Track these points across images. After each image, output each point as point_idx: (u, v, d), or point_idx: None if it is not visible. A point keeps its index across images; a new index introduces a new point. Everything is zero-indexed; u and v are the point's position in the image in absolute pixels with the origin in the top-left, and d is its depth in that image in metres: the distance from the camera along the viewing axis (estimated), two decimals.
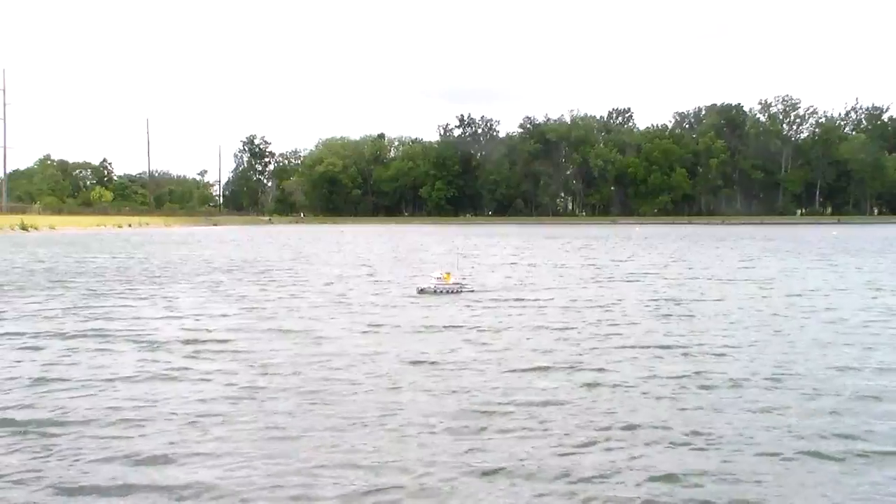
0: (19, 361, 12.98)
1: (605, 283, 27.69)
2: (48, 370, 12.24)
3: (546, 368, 12.56)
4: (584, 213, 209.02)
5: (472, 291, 24.42)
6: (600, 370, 12.47)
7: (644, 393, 11.01)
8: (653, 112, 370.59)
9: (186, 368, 12.45)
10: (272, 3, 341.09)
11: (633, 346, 14.57)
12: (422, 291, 24.24)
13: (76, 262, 37.20)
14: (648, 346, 14.56)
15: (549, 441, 8.86)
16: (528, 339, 15.47)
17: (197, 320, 17.91)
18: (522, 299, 22.49)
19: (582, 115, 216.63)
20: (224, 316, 18.72)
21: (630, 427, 9.34)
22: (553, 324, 17.48)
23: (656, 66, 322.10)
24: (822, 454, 8.39)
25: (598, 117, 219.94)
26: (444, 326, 17.05)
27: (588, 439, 8.90)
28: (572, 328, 16.86)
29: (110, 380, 11.55)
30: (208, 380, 11.67)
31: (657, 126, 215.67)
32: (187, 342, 14.80)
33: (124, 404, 10.21)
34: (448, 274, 25.04)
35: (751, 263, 38.33)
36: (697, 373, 12.28)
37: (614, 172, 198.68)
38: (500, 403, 10.38)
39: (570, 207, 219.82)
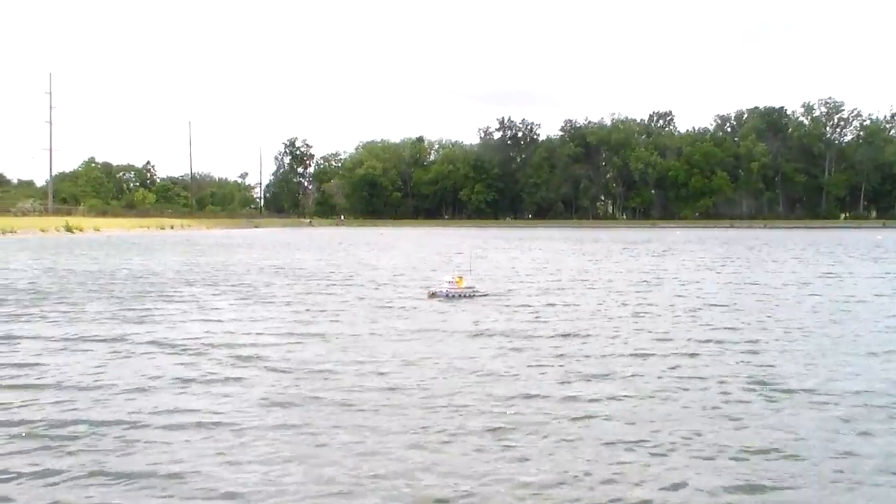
0: (73, 363, 13.15)
1: (637, 292, 27.27)
2: (93, 375, 12.41)
3: (573, 377, 12.52)
4: (624, 217, 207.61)
5: (486, 296, 24.30)
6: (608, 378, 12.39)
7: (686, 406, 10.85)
8: (694, 115, 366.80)
9: (218, 374, 12.56)
10: (314, 7, 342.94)
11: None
12: (433, 296, 24.20)
13: (141, 268, 37.31)
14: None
15: (593, 452, 8.81)
16: (556, 346, 15.35)
17: (238, 325, 18.04)
18: (529, 305, 22.39)
19: (623, 118, 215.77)
20: (268, 320, 18.86)
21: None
22: (579, 330, 17.44)
23: (698, 69, 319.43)
24: None
25: (638, 120, 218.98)
26: (463, 332, 17.06)
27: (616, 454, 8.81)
28: (586, 335, 16.84)
29: (148, 386, 11.69)
30: (246, 386, 11.76)
31: (698, 129, 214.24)
32: (232, 346, 14.96)
33: (164, 410, 10.32)
34: (460, 278, 24.92)
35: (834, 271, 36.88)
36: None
37: (655, 176, 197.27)
38: (533, 413, 10.34)
39: (610, 211, 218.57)
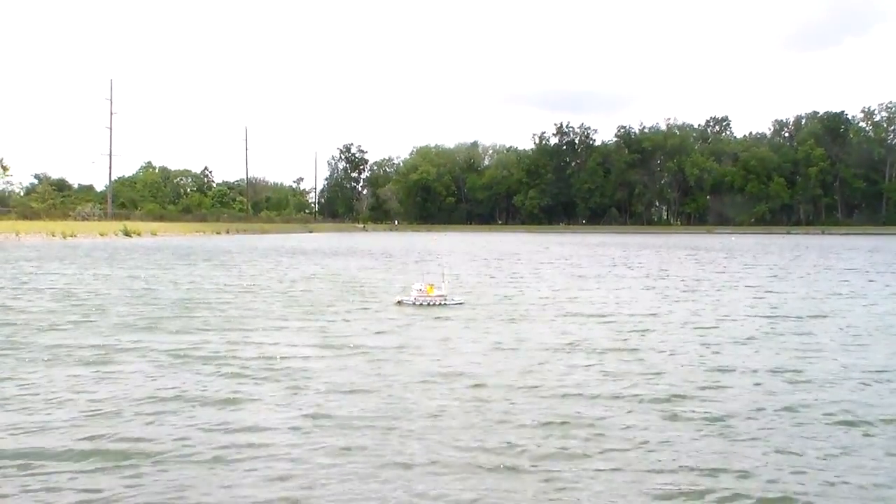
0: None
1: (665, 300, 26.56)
2: (156, 392, 12.36)
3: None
4: (678, 222, 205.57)
5: (460, 304, 23.97)
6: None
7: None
8: (751, 120, 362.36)
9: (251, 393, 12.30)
10: (371, 13, 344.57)
11: None
12: (400, 304, 24.05)
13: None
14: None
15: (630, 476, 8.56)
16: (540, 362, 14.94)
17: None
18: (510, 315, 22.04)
19: (679, 123, 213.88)
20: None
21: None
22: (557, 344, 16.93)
23: (756, 75, 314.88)
24: None
25: (694, 125, 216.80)
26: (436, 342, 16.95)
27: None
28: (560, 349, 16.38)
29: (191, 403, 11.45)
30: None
31: (755, 134, 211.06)
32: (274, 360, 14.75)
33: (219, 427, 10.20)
34: (431, 286, 24.58)
35: None
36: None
37: (710, 181, 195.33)
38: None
39: (664, 216, 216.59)
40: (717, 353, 16.00)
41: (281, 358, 14.73)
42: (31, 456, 8.89)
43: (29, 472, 8.45)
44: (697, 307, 24.54)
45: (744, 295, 28.95)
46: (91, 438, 9.54)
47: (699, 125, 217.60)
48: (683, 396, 12.00)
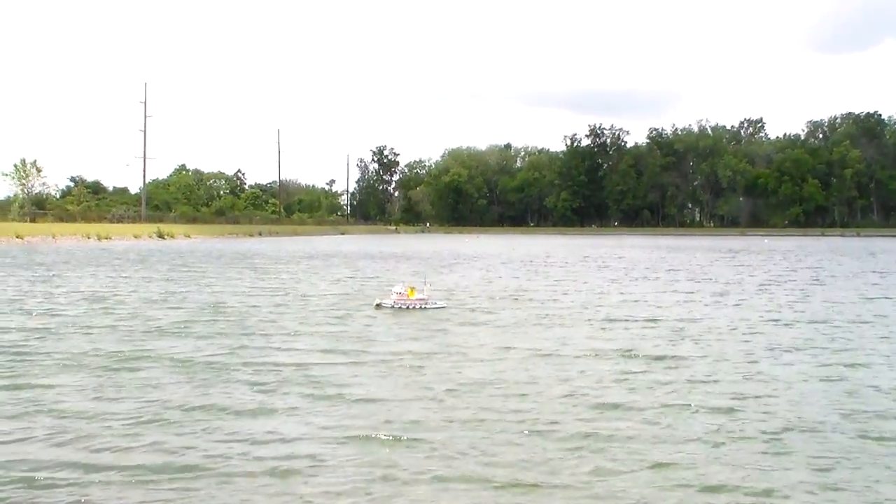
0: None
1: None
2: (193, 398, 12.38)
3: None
4: (711, 224, 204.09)
5: (442, 308, 23.82)
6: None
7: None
8: (785, 122, 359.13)
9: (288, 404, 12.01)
10: (401, 16, 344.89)
11: None
12: (379, 306, 23.95)
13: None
14: None
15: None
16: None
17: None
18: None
19: (712, 125, 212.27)
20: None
21: None
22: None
23: (790, 76, 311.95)
24: None
25: (728, 127, 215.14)
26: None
27: None
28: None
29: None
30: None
31: (789, 136, 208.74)
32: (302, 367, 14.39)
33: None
34: (412, 289, 24.43)
35: None
36: None
37: (744, 183, 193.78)
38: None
39: (697, 218, 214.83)
40: (763, 360, 15.69)
41: (307, 365, 14.61)
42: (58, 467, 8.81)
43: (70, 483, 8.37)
44: (739, 312, 24.17)
45: (786, 299, 28.51)
46: (119, 450, 9.45)
47: (732, 127, 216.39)
48: (731, 409, 11.71)
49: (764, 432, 10.45)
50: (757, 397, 12.44)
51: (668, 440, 10.09)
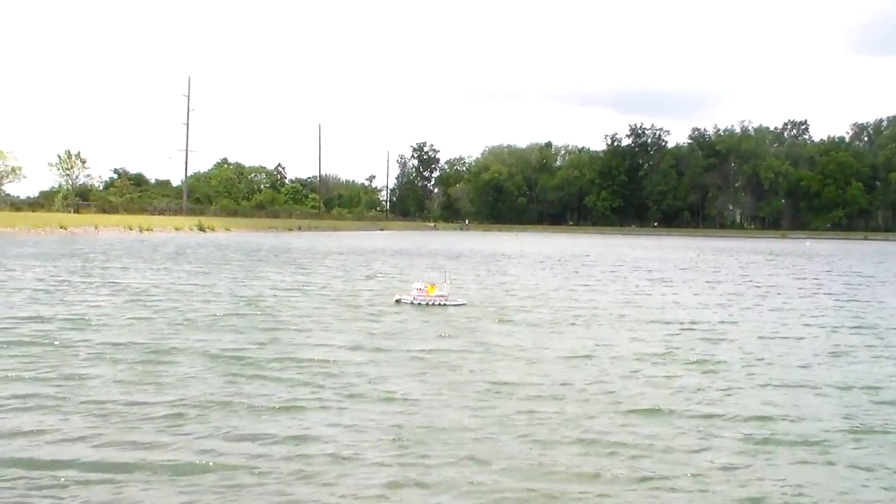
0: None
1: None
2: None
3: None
4: (752, 226, 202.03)
5: (462, 305, 23.64)
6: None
7: None
8: (830, 124, 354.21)
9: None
10: (441, 12, 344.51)
11: None
12: (398, 302, 23.99)
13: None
14: None
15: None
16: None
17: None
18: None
19: (755, 126, 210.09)
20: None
21: None
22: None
23: (835, 77, 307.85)
24: None
25: (772, 128, 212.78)
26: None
27: None
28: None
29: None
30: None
31: (834, 138, 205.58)
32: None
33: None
34: (432, 285, 24.37)
35: None
36: None
37: (786, 185, 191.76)
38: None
39: (737, 220, 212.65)
40: (807, 366, 15.31)
41: (341, 362, 14.46)
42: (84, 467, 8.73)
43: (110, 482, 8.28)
44: (782, 316, 23.71)
45: (830, 303, 28.02)
46: (153, 446, 9.37)
47: (776, 128, 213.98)
48: (772, 417, 11.35)
49: (807, 441, 10.09)
50: (799, 404, 12.05)
51: (707, 447, 9.78)
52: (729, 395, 12.65)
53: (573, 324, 20.80)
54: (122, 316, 19.86)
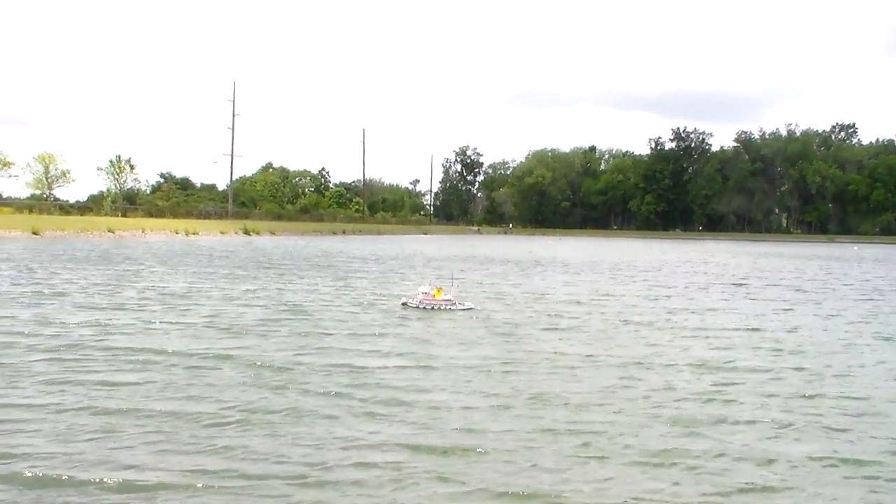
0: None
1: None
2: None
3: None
4: (798, 231, 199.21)
5: (469, 309, 23.28)
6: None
7: None
8: (879, 127, 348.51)
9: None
10: (485, 17, 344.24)
11: None
12: (405, 305, 23.91)
13: None
14: None
15: None
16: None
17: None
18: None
19: (803, 129, 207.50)
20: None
21: None
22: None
23: (885, 80, 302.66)
24: None
25: (819, 131, 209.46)
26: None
27: None
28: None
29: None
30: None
31: (883, 141, 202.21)
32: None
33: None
34: (439, 289, 24.13)
35: None
36: None
37: (833, 189, 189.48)
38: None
39: (783, 224, 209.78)
40: (866, 376, 14.83)
41: (384, 369, 14.27)
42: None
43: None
44: (837, 323, 23.13)
45: (889, 309, 27.37)
46: (193, 453, 9.22)
47: (823, 132, 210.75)
48: (829, 428, 10.96)
49: (863, 456, 9.70)
50: (859, 416, 11.62)
51: (758, 461, 9.42)
52: (782, 404, 12.25)
53: (639, 331, 20.43)
54: (166, 320, 19.82)
